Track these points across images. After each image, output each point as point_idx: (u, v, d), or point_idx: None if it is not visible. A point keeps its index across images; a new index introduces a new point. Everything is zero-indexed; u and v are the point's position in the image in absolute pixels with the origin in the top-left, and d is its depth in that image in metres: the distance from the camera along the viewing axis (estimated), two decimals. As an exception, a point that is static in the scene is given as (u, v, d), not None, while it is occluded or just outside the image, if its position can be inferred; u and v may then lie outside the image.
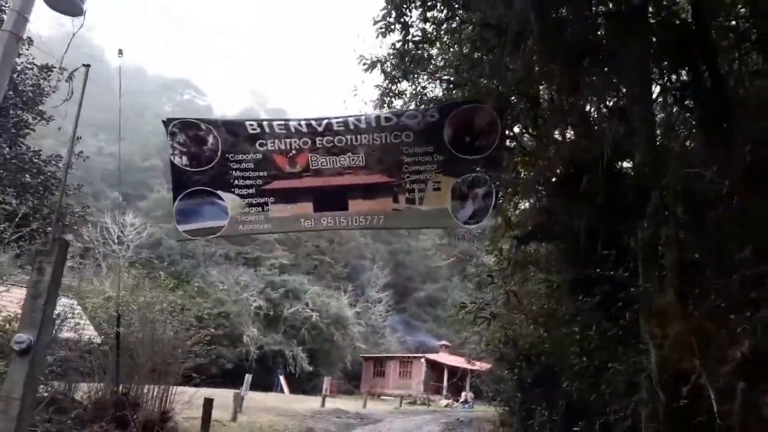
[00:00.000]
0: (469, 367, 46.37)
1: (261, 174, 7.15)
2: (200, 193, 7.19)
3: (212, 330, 15.52)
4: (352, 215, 7.25)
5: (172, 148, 7.05)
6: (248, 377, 18.50)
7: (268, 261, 50.03)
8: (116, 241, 44.03)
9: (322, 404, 23.14)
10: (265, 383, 41.66)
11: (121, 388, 10.74)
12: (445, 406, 38.61)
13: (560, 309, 8.04)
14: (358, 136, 6.92)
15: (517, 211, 9.11)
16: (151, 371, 11.20)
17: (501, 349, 10.38)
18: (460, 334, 48.48)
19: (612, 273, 5.92)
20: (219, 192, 7.20)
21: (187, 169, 7.13)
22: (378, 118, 6.91)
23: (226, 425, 14.44)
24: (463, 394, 42.65)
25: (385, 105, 8.92)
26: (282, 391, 40.60)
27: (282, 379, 41.91)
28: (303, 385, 43.63)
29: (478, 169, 6.89)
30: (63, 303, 15.43)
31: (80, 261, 42.30)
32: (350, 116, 6.93)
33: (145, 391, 11.01)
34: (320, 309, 46.15)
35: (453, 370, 45.92)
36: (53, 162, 14.53)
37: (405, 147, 6.94)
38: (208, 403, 12.43)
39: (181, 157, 7.10)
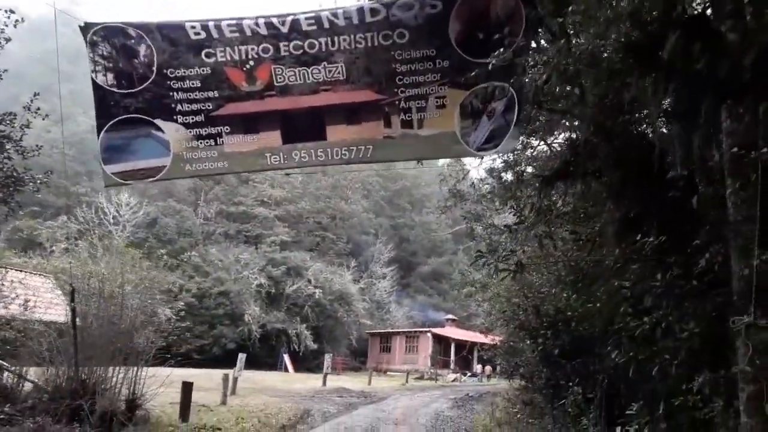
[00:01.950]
0: (477, 339, 45.23)
1: (211, 95, 5.42)
2: (133, 123, 5.47)
3: (182, 304, 13.73)
4: (332, 147, 5.53)
5: (94, 63, 5.31)
6: (242, 356, 17.02)
7: (269, 238, 48.48)
8: (112, 221, 42.55)
9: (324, 383, 21.74)
10: (269, 362, 40.50)
11: (81, 372, 9.19)
12: (453, 380, 37.36)
13: (597, 264, 6.37)
14: (336, 38, 5.17)
15: (545, 141, 7.36)
16: (116, 352, 9.64)
17: (520, 316, 8.79)
18: (467, 306, 47.33)
19: (683, 198, 4.24)
20: (157, 121, 5.47)
21: (115, 90, 5.40)
22: (361, 11, 5.12)
23: (214, 410, 12.96)
24: (478, 367, 41.47)
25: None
26: (286, 369, 39.47)
27: (286, 357, 40.76)
28: (308, 363, 42.49)
29: (494, 77, 5.14)
30: (29, 283, 14.05)
31: (75, 242, 41.01)
32: (323, 10, 5.17)
33: (110, 375, 9.43)
34: (323, 286, 44.77)
35: (460, 344, 44.71)
36: (7, 121, 12.71)
37: (398, 51, 5.19)
38: (187, 387, 10.92)
39: (105, 75, 5.36)
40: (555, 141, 11.66)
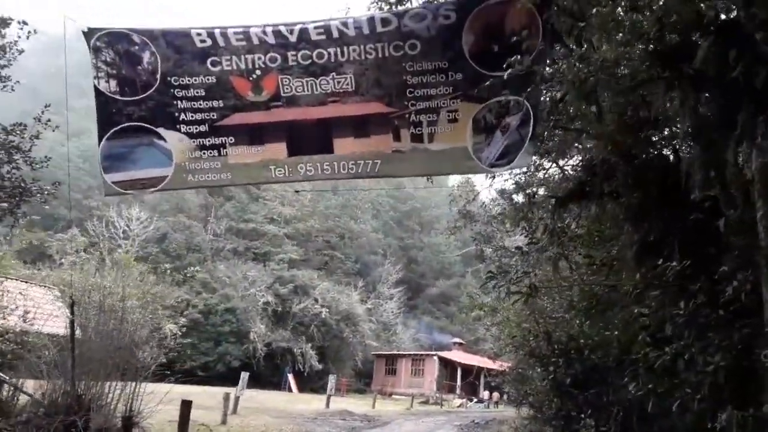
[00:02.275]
0: (484, 365, 44.42)
1: (216, 104, 5.25)
2: (135, 132, 5.31)
3: (183, 320, 13.42)
4: (339, 160, 5.33)
5: (97, 69, 5.17)
6: (244, 375, 16.68)
7: (277, 256, 48.32)
8: (122, 235, 42.65)
9: (327, 405, 21.27)
10: (273, 381, 39.98)
11: (78, 387, 8.92)
12: (459, 406, 36.59)
13: (613, 289, 6.07)
14: (345, 49, 5.00)
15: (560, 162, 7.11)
16: (115, 367, 9.38)
17: (530, 342, 8.44)
18: (475, 330, 46.66)
19: (708, 221, 3.97)
20: (160, 130, 5.31)
21: (117, 97, 5.25)
22: (372, 21, 4.96)
23: (213, 429, 12.61)
24: (485, 394, 40.67)
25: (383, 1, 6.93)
26: (290, 389, 38.91)
27: (290, 377, 40.22)
28: (312, 383, 41.91)
29: (508, 91, 4.93)
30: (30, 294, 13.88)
31: (84, 256, 41.07)
32: (333, 20, 5.01)
33: (107, 390, 9.16)
34: (330, 305, 44.34)
35: (467, 369, 43.93)
36: (17, 131, 12.68)
37: (409, 63, 5.01)
38: (186, 406, 10.58)
39: (108, 82, 5.22)
40: (568, 163, 11.44)
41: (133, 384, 9.57)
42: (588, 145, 6.73)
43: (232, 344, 39.29)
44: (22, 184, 12.15)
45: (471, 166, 5.26)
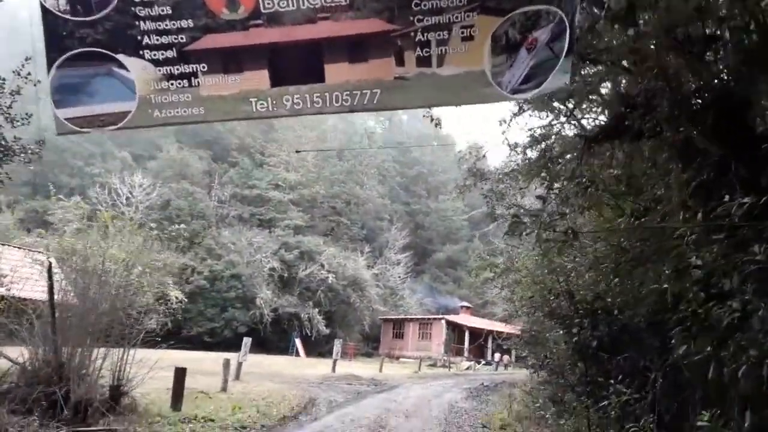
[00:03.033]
0: (492, 327, 44.21)
1: (184, 24, 4.34)
2: (90, 58, 4.43)
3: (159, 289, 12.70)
4: (332, 90, 4.45)
5: (41, -17, 4.31)
6: (247, 341, 16.18)
7: (282, 222, 47.78)
8: (125, 202, 42.13)
9: (333, 369, 20.90)
10: (280, 346, 39.95)
11: (61, 354, 8.30)
12: (467, 368, 36.44)
13: (648, 241, 5.26)
14: (336, -49, 4.09)
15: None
16: (99, 334, 8.76)
17: (550, 303, 7.70)
18: (482, 294, 46.24)
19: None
20: (120, 56, 4.42)
21: (68, 17, 4.36)
22: None
23: (212, 397, 12.13)
24: (496, 356, 40.55)
25: None
26: (297, 354, 38.88)
27: (298, 342, 40.17)
28: (319, 347, 41.91)
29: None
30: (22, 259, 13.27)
31: (88, 223, 40.64)
32: None
33: (93, 358, 8.55)
34: (336, 271, 43.99)
35: (475, 332, 43.76)
36: (-4, 85, 11.77)
37: (414, -34, 4.10)
38: (180, 374, 10.09)
39: (55, -2, 4.35)
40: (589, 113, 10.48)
41: (122, 351, 8.99)
42: (622, 80, 5.82)
43: (239, 310, 39.13)
44: (2, 143, 11.39)
45: (489, 94, 4.36)
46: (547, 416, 9.02)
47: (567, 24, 3.97)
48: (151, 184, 42.71)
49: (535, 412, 10.87)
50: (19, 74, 11.11)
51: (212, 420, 9.32)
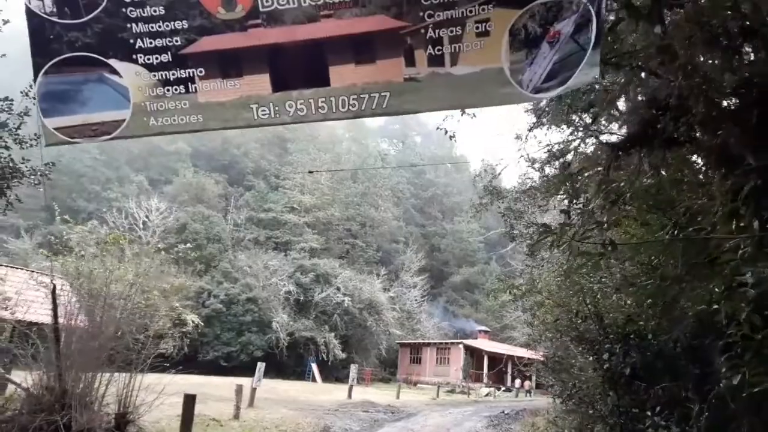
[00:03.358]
0: (512, 353, 43.11)
1: (179, 26, 4.06)
2: (80, 64, 4.15)
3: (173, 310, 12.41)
4: (337, 94, 4.10)
5: (28, -16, 4.06)
6: (261, 366, 15.72)
7: (298, 245, 47.59)
8: (141, 226, 42.31)
9: (349, 395, 20.28)
10: (296, 371, 39.34)
11: (65, 380, 7.95)
12: (486, 394, 35.41)
13: (680, 258, 4.76)
14: (339, -58, 3.79)
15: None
16: (104, 359, 8.40)
17: (578, 326, 7.14)
18: (501, 317, 45.21)
19: None
20: (111, 61, 4.13)
21: (55, 20, 4.11)
22: None
23: (224, 425, 11.68)
24: (517, 382, 39.47)
25: None
26: (314, 379, 38.22)
27: (314, 366, 39.54)
28: (336, 372, 41.20)
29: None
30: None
31: (104, 246, 40.79)
32: None
33: (96, 385, 8.18)
34: (352, 294, 43.47)
35: (493, 357, 42.70)
36: (4, 108, 11.72)
37: (424, -44, 3.77)
38: (189, 401, 9.65)
39: None
40: (609, 129, 10.06)
41: (128, 376, 8.62)
42: (649, 82, 5.40)
43: (255, 334, 38.73)
44: (11, 165, 11.28)
45: (508, 94, 3.97)
46: (574, 448, 8.38)
47: (593, 13, 3.59)
48: (168, 208, 42.93)
49: (561, 443, 10.17)
50: (27, 95, 11.05)
51: (220, 450, 8.85)
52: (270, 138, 59.68)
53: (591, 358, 7.06)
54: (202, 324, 36.90)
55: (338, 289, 43.34)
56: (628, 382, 6.06)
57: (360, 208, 57.00)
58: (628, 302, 6.30)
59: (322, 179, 52.18)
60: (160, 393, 8.64)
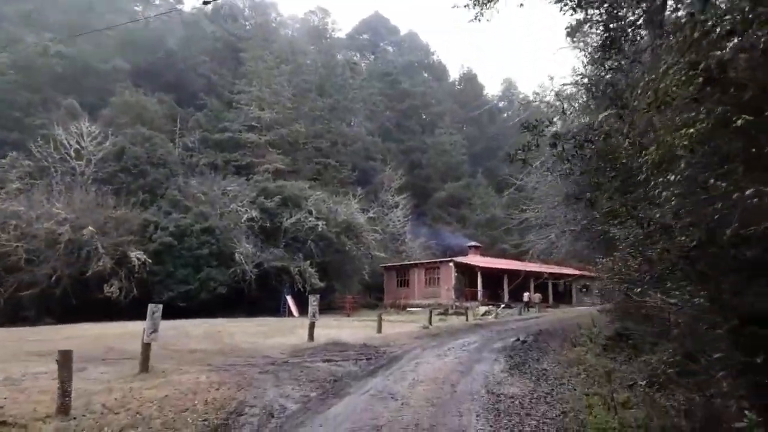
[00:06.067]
0: (509, 267, 38.12)
1: None
2: None
3: None
4: None
5: None
6: (153, 307, 9.83)
7: (261, 167, 41.06)
8: (74, 155, 35.25)
9: (310, 336, 14.66)
10: (270, 306, 33.94)
11: None
12: (484, 313, 30.51)
13: None
14: None
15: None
16: None
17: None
18: (495, 226, 39.69)
19: None
20: None
21: None
22: None
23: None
24: (525, 295, 34.77)
25: None
26: (290, 313, 32.92)
27: (289, 299, 34.11)
28: (315, 303, 35.85)
29: None
30: None
31: (30, 182, 33.96)
32: None
33: None
34: (327, 217, 37.52)
35: (487, 273, 37.80)
36: None
37: None
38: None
39: None
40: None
41: None
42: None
43: (215, 268, 32.90)
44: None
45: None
46: None
47: None
48: (100, 132, 35.78)
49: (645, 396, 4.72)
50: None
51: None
52: (220, 49, 51.45)
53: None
54: (150, 261, 30.91)
55: (310, 212, 37.33)
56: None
57: (330, 123, 50.03)
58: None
59: (284, 92, 44.81)
60: None
